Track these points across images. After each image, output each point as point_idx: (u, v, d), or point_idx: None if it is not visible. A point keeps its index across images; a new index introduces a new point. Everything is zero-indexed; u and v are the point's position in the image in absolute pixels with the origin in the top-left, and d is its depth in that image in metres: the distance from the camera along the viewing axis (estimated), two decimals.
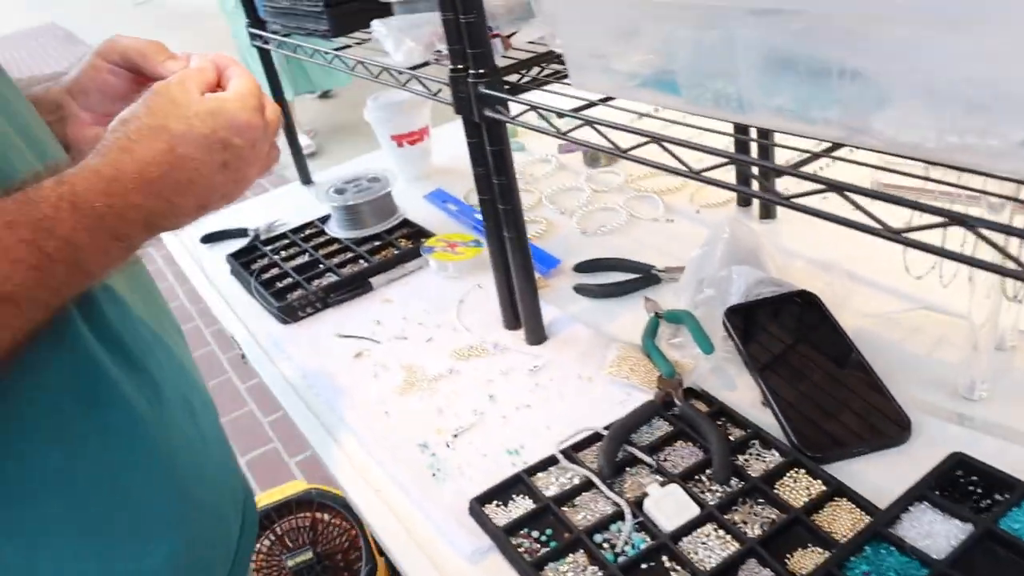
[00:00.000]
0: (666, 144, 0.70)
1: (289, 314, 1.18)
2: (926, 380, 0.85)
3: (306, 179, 1.69)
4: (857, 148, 0.62)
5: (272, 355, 1.13)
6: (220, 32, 4.18)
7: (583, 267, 1.18)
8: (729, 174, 0.68)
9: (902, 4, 0.51)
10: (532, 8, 1.07)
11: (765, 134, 1.06)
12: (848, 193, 0.56)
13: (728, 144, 0.84)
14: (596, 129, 0.76)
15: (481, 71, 0.87)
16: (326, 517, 1.55)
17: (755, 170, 0.65)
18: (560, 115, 0.80)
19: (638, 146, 0.73)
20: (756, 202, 1.24)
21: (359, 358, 1.08)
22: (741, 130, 0.91)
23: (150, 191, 0.59)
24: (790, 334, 0.93)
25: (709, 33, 0.68)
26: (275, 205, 1.61)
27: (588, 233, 1.29)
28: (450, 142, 1.75)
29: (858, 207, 0.56)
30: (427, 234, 1.31)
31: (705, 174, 0.68)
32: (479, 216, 1.36)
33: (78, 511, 0.62)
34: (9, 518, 0.58)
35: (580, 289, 1.12)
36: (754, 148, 1.13)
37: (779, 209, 1.22)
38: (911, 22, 0.52)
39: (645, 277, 1.12)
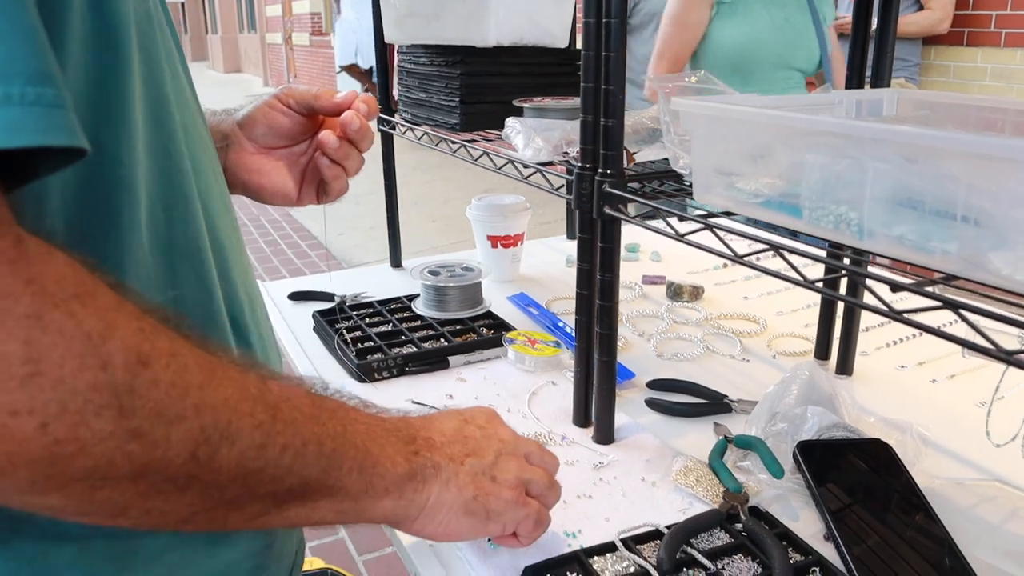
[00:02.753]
0: (784, 253, 0.74)
1: (367, 373, 1.22)
2: (997, 547, 0.85)
3: (396, 262, 1.76)
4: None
5: None
6: None
7: (656, 384, 1.20)
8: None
9: None
10: (655, 135, 1.15)
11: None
12: (965, 312, 0.59)
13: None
14: (715, 233, 0.80)
15: (609, 172, 0.94)
16: None
17: (873, 287, 0.68)
18: (681, 218, 0.85)
19: (754, 253, 0.77)
20: (833, 356, 1.26)
21: None
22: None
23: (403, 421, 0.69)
24: (860, 477, 0.94)
25: (841, 161, 0.73)
26: (363, 280, 1.68)
27: (664, 357, 1.32)
28: (538, 255, 1.83)
29: (976, 329, 0.58)
30: (509, 328, 1.36)
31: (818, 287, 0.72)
32: (560, 323, 1.41)
33: None
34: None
35: (652, 403, 1.15)
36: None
37: (855, 367, 1.24)
38: None
39: (717, 404, 1.14)
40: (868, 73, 1.13)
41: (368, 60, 9.85)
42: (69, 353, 0.40)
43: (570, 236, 1.97)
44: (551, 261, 1.81)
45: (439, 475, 0.66)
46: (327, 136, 0.89)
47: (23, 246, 0.40)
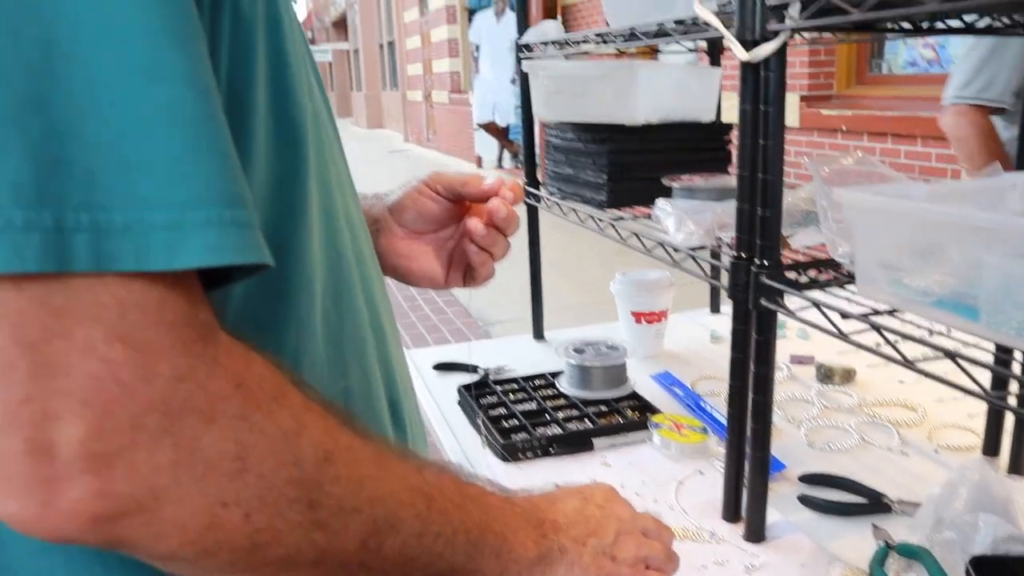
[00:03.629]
0: (962, 363, 0.69)
1: (511, 453, 1.22)
2: None
3: (539, 334, 1.77)
4: None
5: None
6: None
7: (809, 479, 1.15)
8: None
9: None
10: (809, 218, 1.11)
11: None
12: None
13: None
14: (884, 336, 0.77)
15: (765, 263, 0.91)
16: None
17: None
18: (844, 316, 0.81)
19: (926, 360, 0.73)
20: (1005, 452, 1.17)
21: None
22: None
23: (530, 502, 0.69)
24: None
25: (1023, 262, 0.68)
26: (505, 351, 1.69)
27: (815, 447, 1.26)
28: (681, 329, 1.80)
29: None
30: (653, 409, 1.33)
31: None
32: (704, 405, 1.38)
33: None
34: None
35: (805, 500, 1.10)
36: None
37: None
38: None
39: (875, 504, 1.08)
40: None
41: (505, 118, 10.09)
42: (270, 451, 0.44)
43: (713, 310, 1.93)
44: (694, 336, 1.78)
45: (564, 557, 0.68)
46: (475, 224, 0.90)
47: (232, 351, 0.44)
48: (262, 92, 0.52)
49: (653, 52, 4.04)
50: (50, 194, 0.38)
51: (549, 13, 8.69)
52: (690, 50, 1.69)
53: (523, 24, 1.60)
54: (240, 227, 0.42)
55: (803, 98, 5.16)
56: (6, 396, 0.38)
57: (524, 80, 1.52)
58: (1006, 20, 0.95)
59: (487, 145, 10.52)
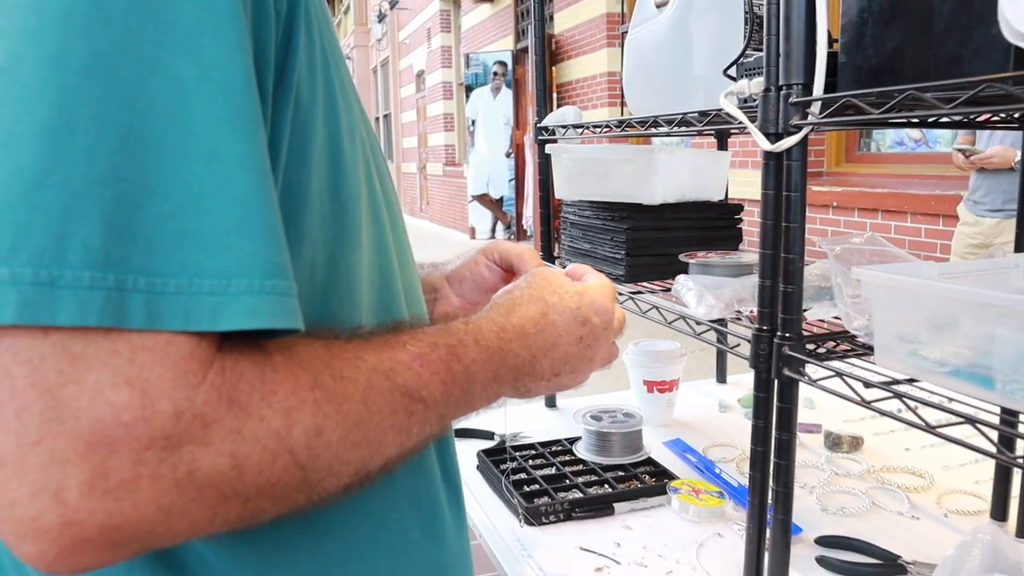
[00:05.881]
0: (981, 427, 0.75)
1: (535, 517, 1.26)
2: None
3: (551, 402, 1.82)
4: None
5: (514, 552, 1.20)
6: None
7: (825, 541, 1.20)
8: None
9: None
10: (822, 293, 1.18)
11: None
12: None
13: None
14: (906, 403, 0.83)
15: (788, 335, 0.98)
16: None
17: None
18: (867, 385, 0.88)
19: (947, 425, 0.79)
20: (1013, 517, 1.23)
21: (599, 572, 1.13)
22: None
23: (524, 343, 0.70)
24: None
25: None
26: (519, 419, 1.74)
27: (828, 511, 1.31)
28: (690, 399, 1.85)
29: None
30: (670, 475, 1.38)
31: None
32: (717, 471, 1.43)
33: None
34: None
35: (823, 561, 1.14)
36: None
37: None
38: None
39: (891, 565, 1.13)
40: None
41: (499, 190, 10.27)
42: (264, 452, 0.47)
43: (720, 380, 1.99)
44: (703, 405, 1.83)
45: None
46: None
47: (225, 368, 0.47)
48: (316, 176, 0.58)
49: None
50: (114, 258, 0.42)
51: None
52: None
53: (542, 106, 1.69)
54: (278, 295, 0.47)
55: None
56: (19, 438, 0.41)
57: (545, 160, 1.60)
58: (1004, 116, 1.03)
59: (480, 216, 10.68)
